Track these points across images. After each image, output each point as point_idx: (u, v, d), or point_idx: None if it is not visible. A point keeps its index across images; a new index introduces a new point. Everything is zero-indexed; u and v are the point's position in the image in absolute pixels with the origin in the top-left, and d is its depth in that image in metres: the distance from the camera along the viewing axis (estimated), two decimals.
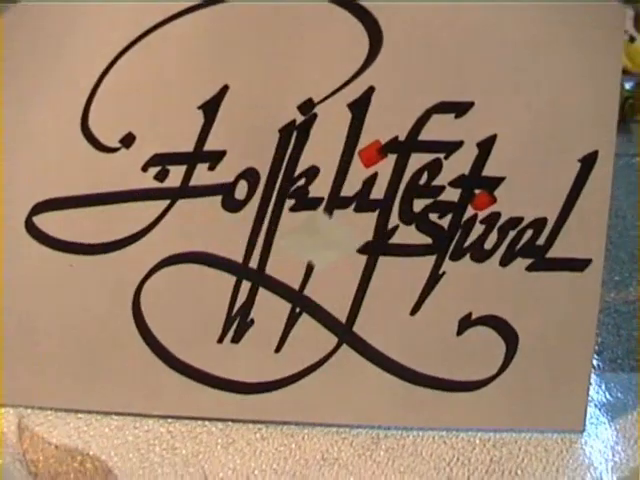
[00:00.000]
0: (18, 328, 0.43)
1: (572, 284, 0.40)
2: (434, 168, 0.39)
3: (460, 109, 0.38)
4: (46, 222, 0.41)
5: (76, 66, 0.38)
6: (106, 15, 0.37)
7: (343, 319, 0.41)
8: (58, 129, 0.39)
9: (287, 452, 0.42)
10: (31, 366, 0.43)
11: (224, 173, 0.39)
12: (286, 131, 0.38)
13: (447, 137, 0.38)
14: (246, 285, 0.41)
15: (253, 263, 0.40)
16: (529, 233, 0.39)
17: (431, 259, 0.40)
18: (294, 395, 0.42)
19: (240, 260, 0.40)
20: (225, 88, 0.38)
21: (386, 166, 0.39)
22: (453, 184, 0.39)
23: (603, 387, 0.45)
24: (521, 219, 0.39)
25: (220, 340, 0.42)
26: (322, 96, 0.38)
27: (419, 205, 0.39)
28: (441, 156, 0.38)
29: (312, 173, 0.39)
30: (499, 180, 0.39)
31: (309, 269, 0.40)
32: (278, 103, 0.38)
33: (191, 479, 0.41)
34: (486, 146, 0.38)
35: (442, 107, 0.38)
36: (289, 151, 0.39)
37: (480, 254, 0.40)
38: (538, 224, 0.39)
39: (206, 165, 0.39)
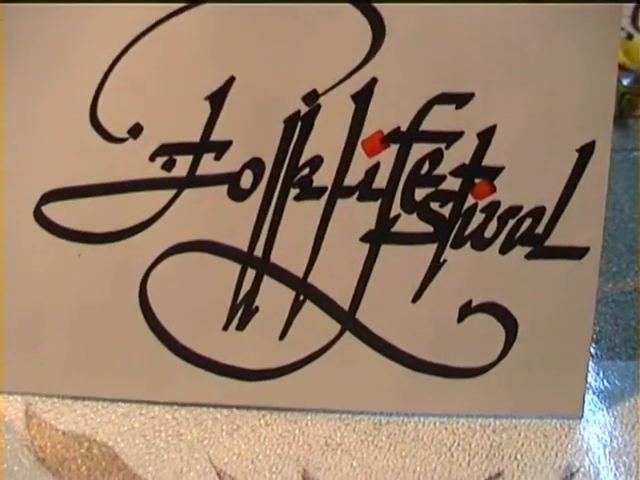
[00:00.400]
0: (25, 317, 0.44)
1: (570, 272, 0.41)
2: (435, 158, 0.40)
3: (461, 100, 0.39)
4: (55, 211, 0.42)
5: (84, 59, 0.39)
6: (114, 9, 0.39)
7: (346, 306, 0.42)
8: (67, 120, 0.40)
9: (291, 438, 0.44)
10: (38, 354, 0.44)
11: (230, 163, 0.40)
12: (291, 121, 0.40)
13: (448, 127, 0.39)
14: (251, 273, 0.42)
15: (258, 251, 0.42)
16: (528, 222, 0.41)
17: (432, 247, 0.41)
18: (298, 382, 0.44)
19: (245, 248, 0.42)
20: (231, 79, 0.39)
21: (388, 156, 0.40)
22: (454, 173, 0.40)
23: (601, 374, 0.46)
24: (520, 208, 0.40)
25: (225, 327, 0.43)
26: (326, 87, 0.39)
27: (420, 194, 0.40)
28: (442, 146, 0.40)
29: (316, 163, 0.40)
30: (499, 170, 0.40)
31: (313, 257, 0.42)
32: (283, 94, 0.39)
33: (196, 464, 0.43)
34: (486, 136, 0.39)
35: (443, 98, 0.39)
36: (294, 141, 0.40)
37: (480, 242, 0.41)
38: (537, 213, 0.40)
39: (212, 155, 0.40)
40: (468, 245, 0.41)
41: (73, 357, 0.44)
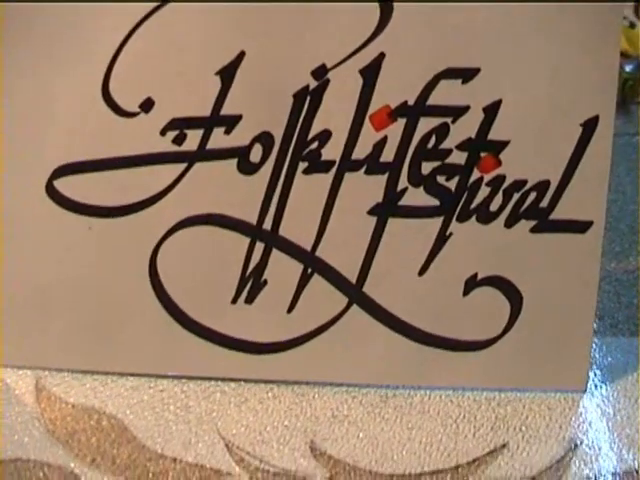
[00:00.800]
0: (35, 291, 0.45)
1: (574, 246, 0.43)
2: (442, 132, 0.41)
3: (467, 75, 0.40)
4: (66, 185, 0.43)
5: (97, 34, 0.41)
6: None
7: (353, 280, 0.44)
8: (80, 96, 0.41)
9: (298, 410, 0.45)
10: (48, 329, 0.46)
11: (240, 137, 0.42)
12: (300, 96, 0.41)
13: (454, 102, 0.41)
14: (260, 246, 0.43)
15: (267, 224, 0.43)
16: (533, 195, 0.42)
17: (438, 220, 0.43)
18: (305, 355, 0.45)
19: (254, 222, 0.43)
20: (242, 54, 0.40)
21: (396, 130, 0.41)
22: (460, 147, 0.41)
23: (604, 350, 0.48)
24: (525, 182, 0.42)
25: (234, 301, 0.44)
26: (335, 62, 0.40)
27: (427, 168, 0.42)
28: (448, 120, 0.41)
29: (325, 136, 0.41)
30: (504, 144, 0.41)
31: (321, 230, 0.43)
32: (292, 69, 0.41)
33: (205, 435, 0.44)
34: (492, 111, 0.41)
35: (449, 73, 0.40)
36: (302, 115, 0.41)
37: (486, 216, 0.42)
38: (541, 187, 0.42)
39: (222, 129, 0.41)
40: (474, 218, 0.43)
41: (83, 331, 0.46)
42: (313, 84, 0.41)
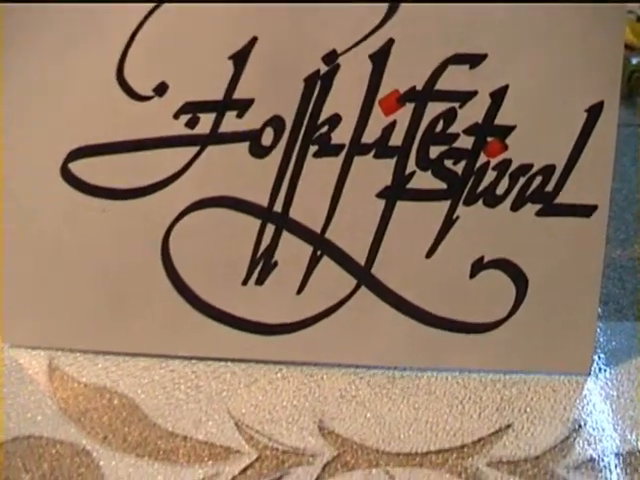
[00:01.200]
0: (49, 272, 0.47)
1: (579, 230, 0.44)
2: (449, 117, 0.43)
3: (474, 61, 0.42)
4: (81, 168, 0.45)
5: (112, 19, 0.42)
6: None
7: (362, 262, 0.45)
8: (94, 80, 0.43)
9: (307, 390, 0.46)
10: (61, 310, 0.47)
11: (251, 120, 0.43)
12: (311, 80, 0.42)
13: (462, 87, 0.42)
14: (270, 228, 0.45)
15: (277, 207, 0.44)
16: (538, 179, 0.43)
17: (446, 204, 0.44)
18: (314, 336, 0.47)
19: (265, 204, 0.44)
20: (254, 40, 0.42)
21: (404, 114, 0.43)
22: (467, 132, 0.43)
23: (608, 334, 0.49)
24: (531, 166, 0.43)
25: (245, 282, 0.46)
26: (345, 47, 0.42)
27: (435, 152, 0.43)
28: (456, 105, 0.42)
29: (335, 121, 0.43)
30: (510, 128, 0.43)
31: (330, 213, 0.45)
32: (304, 54, 0.42)
33: (215, 414, 0.45)
34: (498, 96, 0.42)
35: (457, 59, 0.42)
36: (313, 100, 0.43)
37: (492, 199, 0.44)
38: (547, 171, 0.43)
39: (235, 113, 0.43)
40: (480, 202, 0.44)
41: (95, 312, 0.47)
42: (324, 69, 0.42)
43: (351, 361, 0.47)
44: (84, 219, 0.45)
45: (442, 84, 0.42)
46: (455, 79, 0.42)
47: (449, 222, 0.44)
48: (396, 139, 0.43)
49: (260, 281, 0.46)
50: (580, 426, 0.45)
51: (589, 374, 0.47)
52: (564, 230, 0.44)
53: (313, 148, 0.44)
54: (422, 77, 0.42)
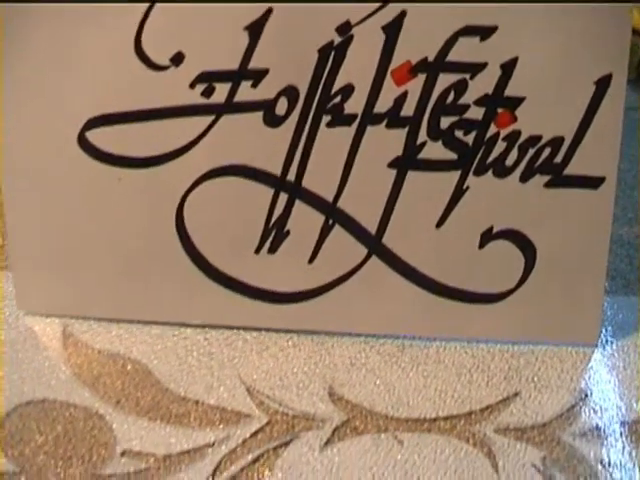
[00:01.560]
0: (65, 241, 0.48)
1: (587, 201, 0.46)
2: (460, 88, 0.44)
3: (485, 33, 0.43)
4: (98, 137, 0.46)
5: None
6: None
7: (373, 231, 0.47)
8: (113, 50, 0.45)
9: (317, 357, 0.48)
10: (76, 278, 0.49)
11: (266, 90, 0.45)
12: (325, 51, 0.44)
13: (472, 59, 0.44)
14: (283, 197, 0.47)
15: (290, 176, 0.46)
16: (547, 151, 0.45)
17: (456, 174, 0.46)
18: (325, 305, 0.48)
19: (278, 173, 0.46)
20: (269, 11, 0.44)
21: (416, 85, 0.44)
22: (477, 103, 0.44)
23: (616, 308, 0.51)
24: (540, 137, 0.45)
25: (257, 251, 0.48)
26: (358, 19, 0.44)
27: (446, 122, 0.45)
28: (467, 76, 0.44)
29: (348, 91, 0.45)
30: (520, 100, 0.44)
31: (342, 182, 0.46)
32: (318, 25, 0.44)
33: (226, 380, 0.47)
34: (508, 68, 0.44)
35: (468, 30, 0.43)
36: (327, 70, 0.44)
37: (502, 170, 0.45)
38: (556, 142, 0.45)
39: (249, 82, 0.45)
40: (490, 173, 0.46)
41: (109, 280, 0.49)
42: (337, 40, 0.44)
43: (361, 330, 0.49)
44: (100, 187, 0.47)
45: (453, 56, 0.44)
46: (466, 51, 0.44)
47: (459, 192, 0.46)
48: (408, 109, 0.45)
49: (272, 250, 0.48)
50: (586, 395, 0.46)
51: (596, 345, 0.48)
52: (572, 201, 0.46)
53: (326, 118, 0.45)
54: (434, 48, 0.44)
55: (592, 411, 0.45)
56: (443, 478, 0.42)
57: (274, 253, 0.48)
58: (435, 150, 0.45)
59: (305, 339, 0.49)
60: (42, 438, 0.44)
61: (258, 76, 0.45)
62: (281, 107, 0.45)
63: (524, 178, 0.46)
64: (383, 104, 0.45)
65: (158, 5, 0.44)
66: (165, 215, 0.47)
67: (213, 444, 0.43)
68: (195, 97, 0.45)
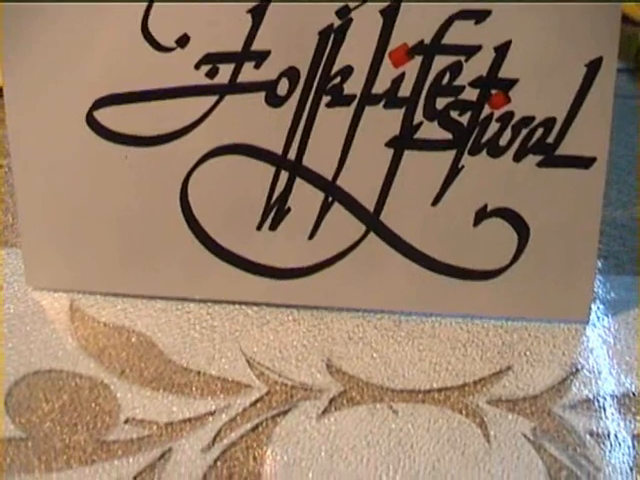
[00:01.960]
0: (72, 217, 0.51)
1: (579, 181, 0.48)
2: (455, 69, 0.47)
3: (479, 16, 0.46)
4: (105, 116, 0.49)
5: None
6: None
7: (371, 208, 0.49)
8: (120, 31, 0.47)
9: (316, 331, 0.50)
10: (82, 254, 0.52)
11: (268, 71, 0.47)
12: (325, 33, 0.47)
13: (467, 42, 0.46)
14: (284, 175, 0.49)
15: (291, 155, 0.49)
16: (540, 131, 0.47)
17: (451, 153, 0.48)
18: (324, 281, 0.51)
19: (280, 152, 0.49)
20: None
21: (413, 67, 0.47)
22: (472, 84, 0.47)
23: (608, 286, 0.53)
24: (533, 118, 0.47)
25: (259, 227, 0.50)
26: (357, 3, 0.46)
27: (441, 103, 0.47)
28: (462, 59, 0.46)
29: (347, 72, 0.47)
30: (513, 82, 0.47)
31: (342, 161, 0.49)
32: (318, 9, 0.46)
33: (227, 352, 0.49)
34: (502, 50, 0.46)
35: (463, 14, 0.46)
36: (327, 52, 0.47)
37: (495, 150, 0.48)
38: (548, 123, 0.47)
39: (252, 64, 0.47)
40: (484, 152, 0.48)
41: (115, 256, 0.51)
42: (337, 23, 0.47)
43: (359, 305, 0.51)
44: (106, 165, 0.50)
45: (449, 38, 0.46)
46: (461, 34, 0.46)
47: (454, 171, 0.48)
48: (405, 90, 0.47)
49: (274, 226, 0.50)
50: (577, 369, 0.48)
51: (588, 322, 0.51)
52: (564, 181, 0.48)
53: (326, 98, 0.48)
54: (430, 31, 0.46)
55: (583, 384, 0.47)
56: (436, 447, 0.44)
57: (275, 230, 0.50)
58: (431, 130, 0.48)
59: (304, 313, 0.51)
60: (49, 406, 0.46)
61: (260, 58, 0.47)
62: (282, 88, 0.48)
63: (517, 158, 0.48)
64: (381, 85, 0.47)
65: None
66: (170, 192, 0.50)
67: (214, 413, 0.46)
68: (200, 78, 0.48)
